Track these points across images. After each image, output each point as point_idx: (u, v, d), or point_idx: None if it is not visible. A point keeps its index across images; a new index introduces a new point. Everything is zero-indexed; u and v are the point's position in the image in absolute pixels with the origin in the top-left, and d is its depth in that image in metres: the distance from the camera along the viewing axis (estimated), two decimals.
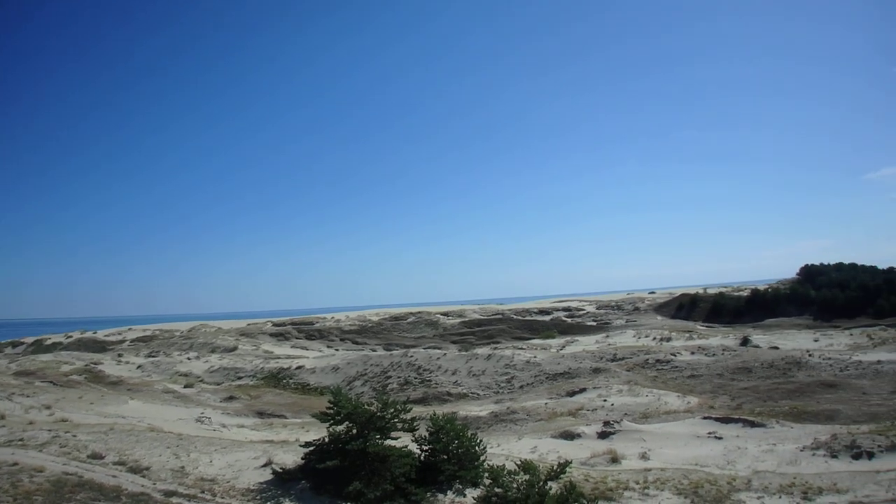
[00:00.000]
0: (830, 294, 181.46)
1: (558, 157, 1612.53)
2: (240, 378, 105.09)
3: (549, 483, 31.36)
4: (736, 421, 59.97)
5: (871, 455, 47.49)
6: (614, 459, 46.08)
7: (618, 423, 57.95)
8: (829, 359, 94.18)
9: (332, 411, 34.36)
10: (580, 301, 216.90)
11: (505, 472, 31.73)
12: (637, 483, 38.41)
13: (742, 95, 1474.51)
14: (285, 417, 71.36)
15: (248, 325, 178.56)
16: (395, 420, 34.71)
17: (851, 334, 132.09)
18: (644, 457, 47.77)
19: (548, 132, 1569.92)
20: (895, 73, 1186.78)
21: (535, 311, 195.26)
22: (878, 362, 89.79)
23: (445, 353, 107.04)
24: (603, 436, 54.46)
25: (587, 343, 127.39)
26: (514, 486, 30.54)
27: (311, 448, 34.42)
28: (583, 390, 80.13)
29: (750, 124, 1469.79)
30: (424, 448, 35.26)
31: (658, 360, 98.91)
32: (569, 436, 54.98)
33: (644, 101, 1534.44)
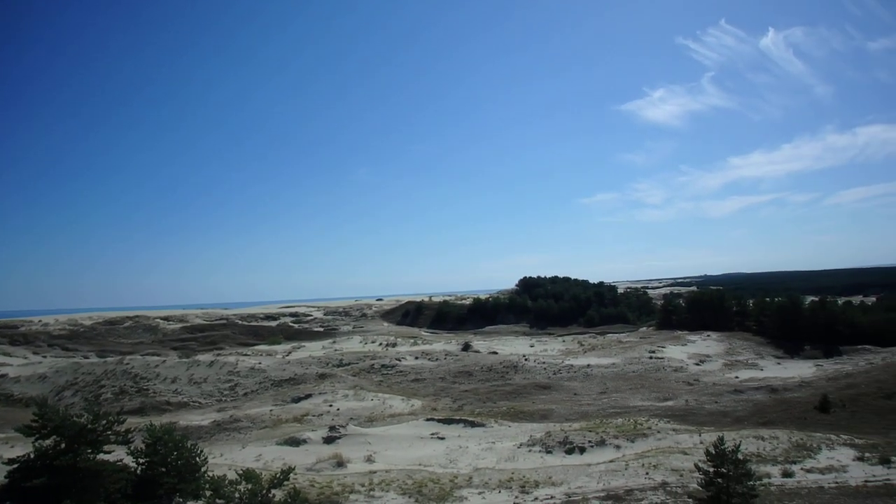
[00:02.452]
0: (546, 304, 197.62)
1: (288, 161, 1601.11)
2: None
3: (273, 491, 30.74)
4: (457, 422, 62.81)
5: (582, 450, 51.89)
6: (340, 463, 46.31)
7: (344, 427, 58.42)
8: (544, 363, 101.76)
9: (37, 424, 31.22)
10: (308, 307, 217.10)
11: (226, 483, 30.64)
12: (363, 485, 38.81)
13: (483, 124, 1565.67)
14: None
15: None
16: (108, 432, 32.26)
17: (564, 341, 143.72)
18: (370, 459, 48.49)
19: (280, 134, 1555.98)
20: (615, 111, 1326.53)
21: (262, 316, 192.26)
22: (588, 366, 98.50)
23: (165, 360, 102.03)
24: (329, 441, 54.62)
25: (314, 349, 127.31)
26: (237, 496, 29.63)
27: (16, 465, 31.06)
28: (309, 396, 79.90)
29: (477, 146, 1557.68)
30: (141, 461, 33.14)
31: (384, 365, 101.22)
32: (294, 442, 54.50)
33: (377, 111, 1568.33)
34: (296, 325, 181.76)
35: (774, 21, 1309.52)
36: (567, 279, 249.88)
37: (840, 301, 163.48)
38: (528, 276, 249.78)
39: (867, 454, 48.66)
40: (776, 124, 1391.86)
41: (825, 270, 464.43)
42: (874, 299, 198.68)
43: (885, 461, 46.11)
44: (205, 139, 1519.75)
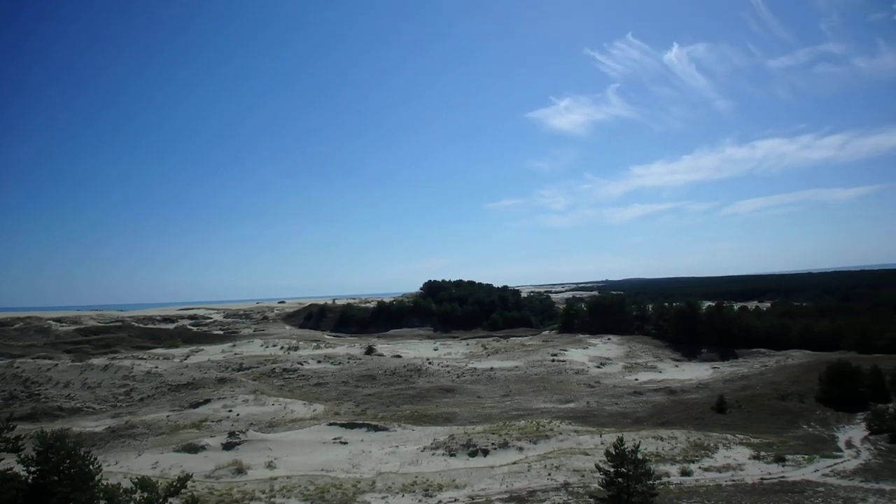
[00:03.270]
0: (450, 307, 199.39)
1: (186, 158, 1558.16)
2: None
3: (170, 499, 30.20)
4: (360, 426, 62.91)
5: (486, 452, 52.77)
6: (240, 470, 45.78)
7: (244, 433, 57.69)
8: (448, 366, 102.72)
9: None
10: (207, 309, 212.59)
11: (121, 491, 30.01)
12: (263, 492, 38.49)
13: (391, 125, 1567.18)
14: None
15: None
16: None
17: (468, 344, 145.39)
18: (271, 465, 48.06)
19: (178, 131, 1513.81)
20: (522, 118, 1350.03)
21: (159, 318, 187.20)
22: (491, 369, 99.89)
23: (57, 364, 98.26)
24: (228, 447, 53.83)
25: (213, 352, 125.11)
26: None
27: None
28: (207, 401, 78.46)
29: (385, 147, 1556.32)
30: (32, 470, 32.02)
31: (285, 369, 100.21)
32: (192, 449, 53.50)
33: (278, 107, 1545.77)
34: (194, 328, 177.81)
35: (679, 36, 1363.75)
36: (472, 283, 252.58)
37: (736, 306, 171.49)
38: (432, 279, 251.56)
39: (762, 453, 50.97)
40: (677, 136, 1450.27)
41: (723, 277, 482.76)
42: (769, 305, 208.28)
43: (779, 459, 48.42)
44: (96, 133, 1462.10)
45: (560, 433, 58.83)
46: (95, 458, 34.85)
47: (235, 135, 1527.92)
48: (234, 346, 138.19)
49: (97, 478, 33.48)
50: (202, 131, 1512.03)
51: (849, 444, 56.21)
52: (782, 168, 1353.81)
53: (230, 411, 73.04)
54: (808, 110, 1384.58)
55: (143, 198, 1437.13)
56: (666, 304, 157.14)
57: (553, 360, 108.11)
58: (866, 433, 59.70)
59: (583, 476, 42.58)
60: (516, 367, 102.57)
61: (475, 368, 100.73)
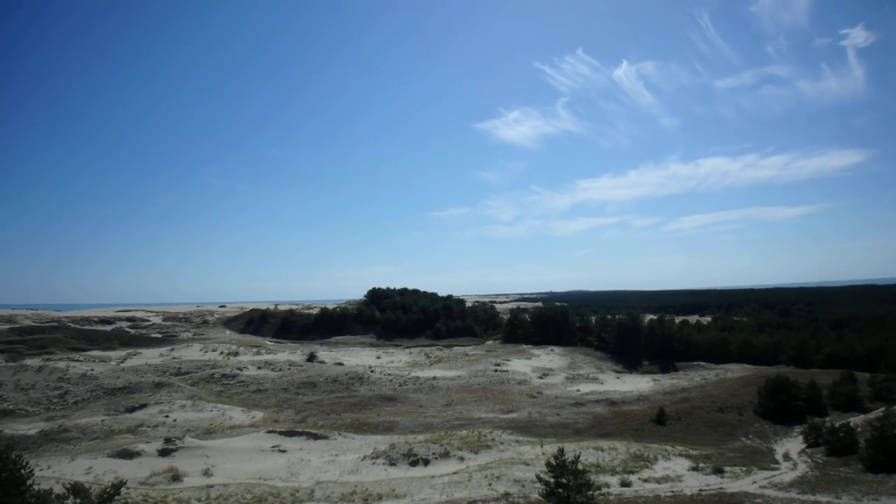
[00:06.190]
0: (394, 315, 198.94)
1: (136, 159, 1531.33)
2: None
3: None
4: (300, 434, 62.61)
5: (426, 462, 52.90)
6: (176, 477, 45.26)
7: (180, 439, 57.10)
8: (390, 374, 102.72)
9: None
10: (146, 311, 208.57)
11: (53, 497, 29.66)
12: (199, 500, 38.10)
13: (340, 131, 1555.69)
14: None
15: None
16: None
17: (411, 352, 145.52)
18: (207, 473, 47.56)
19: (128, 130, 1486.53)
20: (471, 129, 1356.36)
21: (96, 319, 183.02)
22: (434, 378, 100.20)
23: None
24: (164, 453, 53.19)
25: (151, 356, 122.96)
26: None
27: None
28: (144, 406, 77.39)
29: (332, 153, 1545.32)
30: None
31: (224, 375, 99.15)
32: (127, 454, 52.75)
33: (228, 111, 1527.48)
34: (132, 331, 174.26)
35: (628, 54, 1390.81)
36: (416, 291, 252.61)
37: (677, 320, 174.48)
38: (377, 286, 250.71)
39: (701, 464, 51.91)
40: (624, 151, 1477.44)
41: (665, 291, 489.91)
42: (709, 319, 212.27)
43: (718, 471, 49.38)
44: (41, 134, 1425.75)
45: (501, 443, 59.30)
46: (27, 463, 34.41)
47: (187, 136, 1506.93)
48: (172, 349, 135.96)
49: (28, 483, 33.06)
50: (145, 132, 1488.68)
51: (786, 457, 57.89)
52: (725, 186, 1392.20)
53: (167, 417, 72.12)
54: (752, 130, 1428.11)
55: (85, 198, 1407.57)
56: (608, 316, 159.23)
57: (496, 370, 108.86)
58: (803, 446, 61.53)
59: (523, 486, 42.80)
60: (459, 376, 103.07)
61: (418, 377, 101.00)
